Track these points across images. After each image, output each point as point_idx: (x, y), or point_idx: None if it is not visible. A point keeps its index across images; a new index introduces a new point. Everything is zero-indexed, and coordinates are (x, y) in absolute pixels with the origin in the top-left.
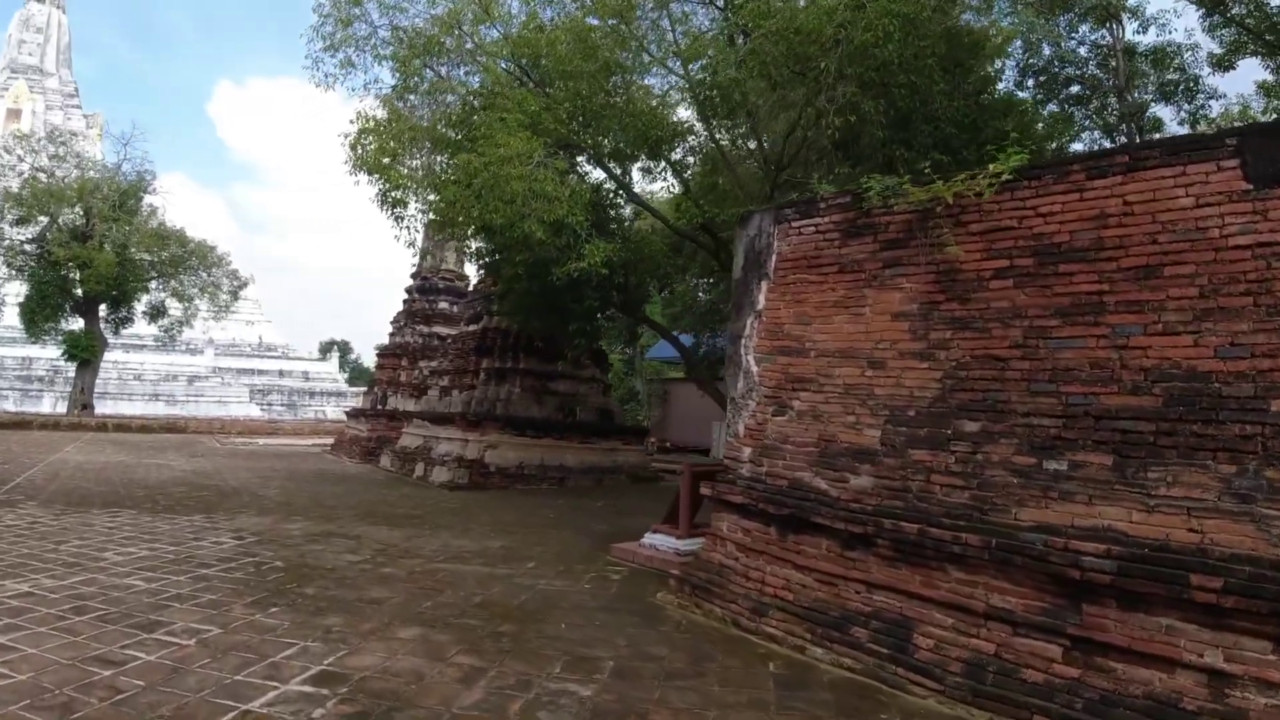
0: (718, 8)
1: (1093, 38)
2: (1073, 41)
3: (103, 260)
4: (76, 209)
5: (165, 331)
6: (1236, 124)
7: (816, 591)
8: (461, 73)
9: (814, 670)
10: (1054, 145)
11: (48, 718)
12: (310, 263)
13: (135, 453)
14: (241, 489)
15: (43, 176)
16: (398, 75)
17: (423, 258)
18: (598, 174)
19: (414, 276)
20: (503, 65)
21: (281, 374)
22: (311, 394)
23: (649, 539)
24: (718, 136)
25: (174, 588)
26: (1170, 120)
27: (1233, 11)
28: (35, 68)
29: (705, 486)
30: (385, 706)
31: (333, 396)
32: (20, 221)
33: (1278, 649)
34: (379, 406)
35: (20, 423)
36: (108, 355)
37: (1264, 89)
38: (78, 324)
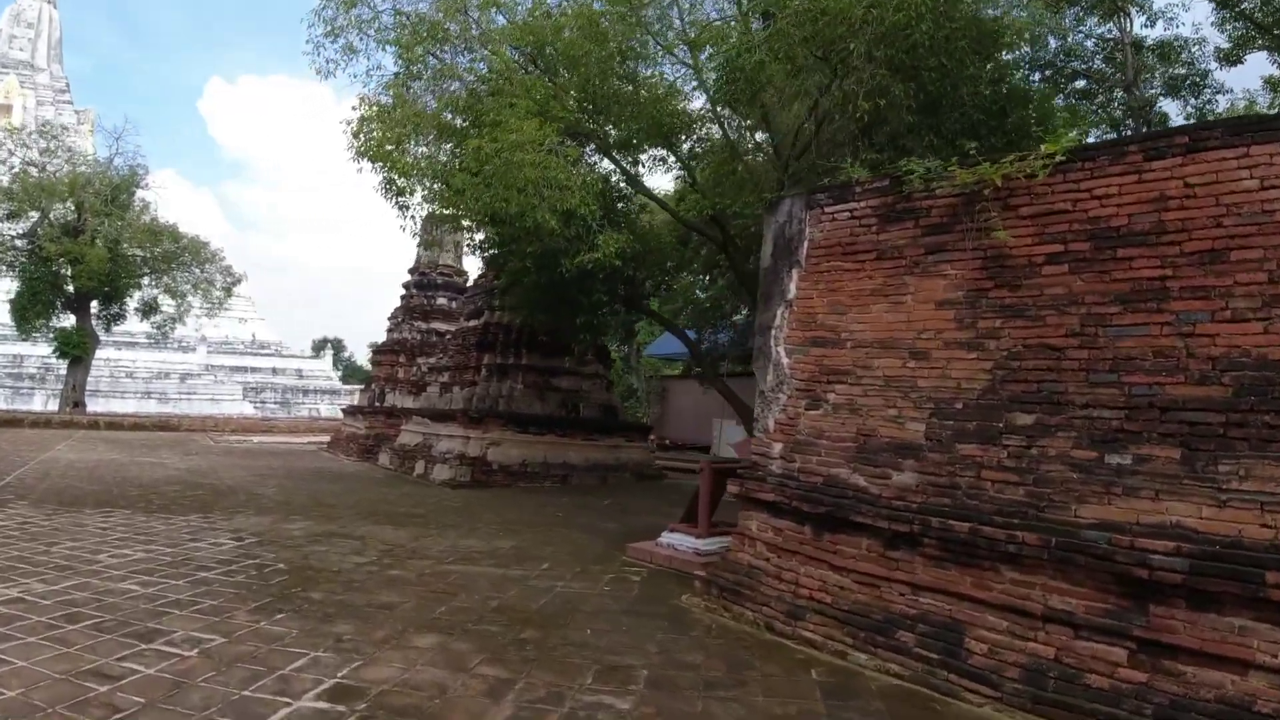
0: None
1: (1100, 31)
2: (1079, 35)
3: (94, 256)
4: (68, 204)
5: (158, 328)
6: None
7: (856, 594)
8: (466, 60)
9: (860, 677)
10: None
11: None
12: (302, 261)
13: (128, 451)
14: (238, 488)
15: (33, 171)
16: (400, 62)
17: (421, 252)
18: (604, 165)
19: (412, 272)
20: (509, 52)
21: (275, 372)
22: (305, 392)
23: (667, 538)
24: (727, 126)
25: (172, 592)
26: (1176, 115)
27: (1243, 5)
28: (26, 63)
29: (733, 484)
30: None
31: (327, 394)
32: (10, 216)
33: None
34: (377, 404)
35: (11, 421)
36: (99, 353)
37: (1270, 83)
38: (69, 321)
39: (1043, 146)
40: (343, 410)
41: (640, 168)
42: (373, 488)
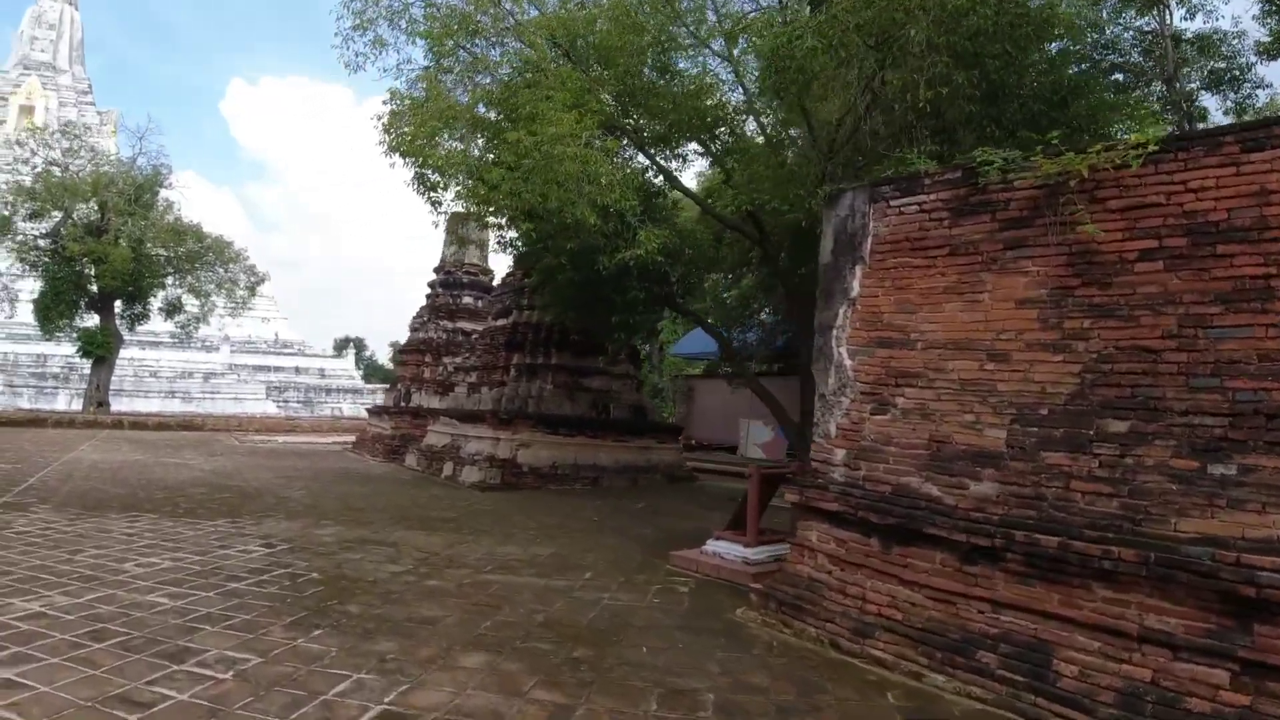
0: None
1: (1138, 24)
2: (1117, 28)
3: (118, 255)
4: (91, 203)
5: (182, 328)
6: None
7: (930, 610)
8: (497, 53)
9: (939, 701)
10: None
11: None
12: (323, 261)
13: (152, 451)
14: (265, 490)
15: (56, 170)
16: (431, 55)
17: (446, 251)
18: (637, 160)
19: (437, 271)
20: (543, 44)
21: (298, 371)
22: (328, 391)
23: (712, 546)
24: (764, 120)
25: (202, 605)
26: (1215, 110)
27: None
28: (48, 64)
29: (791, 492)
30: None
31: (349, 393)
32: (34, 216)
33: None
34: (402, 404)
35: (34, 420)
36: (123, 352)
37: None
38: (93, 320)
39: (1131, 137)
40: (367, 410)
41: (677, 161)
42: (401, 490)
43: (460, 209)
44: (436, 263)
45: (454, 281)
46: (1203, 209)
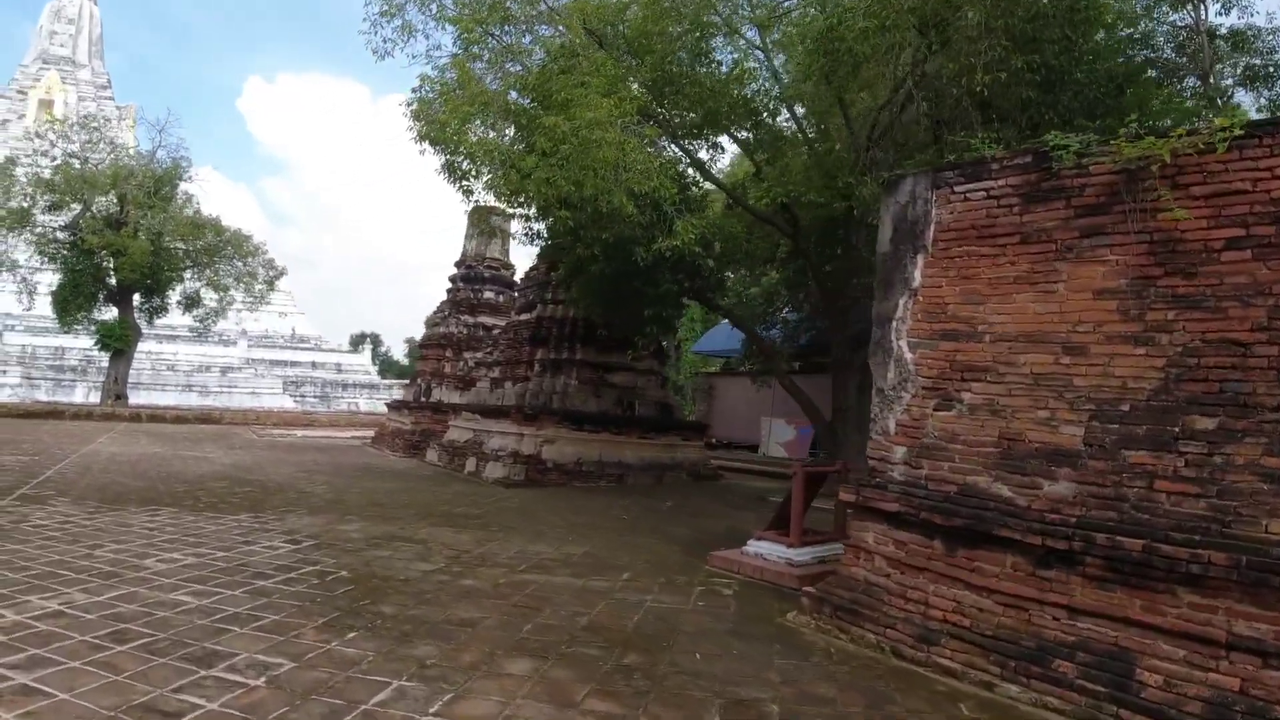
0: None
1: (1172, 19)
2: (1151, 22)
3: (137, 248)
4: (110, 196)
5: (200, 321)
6: None
7: (1000, 617)
8: (528, 40)
9: (1015, 712)
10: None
11: None
12: (338, 256)
13: (171, 444)
14: (287, 484)
15: (75, 163)
16: (460, 42)
17: (467, 245)
18: (671, 150)
19: (458, 265)
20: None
21: (314, 366)
22: (344, 386)
23: (754, 547)
24: (798, 110)
25: (229, 604)
26: (1249, 107)
27: None
28: (67, 59)
29: (846, 491)
30: None
31: (365, 388)
32: (53, 208)
33: None
34: (423, 399)
35: (53, 412)
36: (140, 345)
37: None
38: (111, 313)
39: (1215, 120)
40: (386, 405)
41: (707, 153)
42: (425, 486)
43: (491, 198)
44: (457, 257)
45: (475, 276)
46: None
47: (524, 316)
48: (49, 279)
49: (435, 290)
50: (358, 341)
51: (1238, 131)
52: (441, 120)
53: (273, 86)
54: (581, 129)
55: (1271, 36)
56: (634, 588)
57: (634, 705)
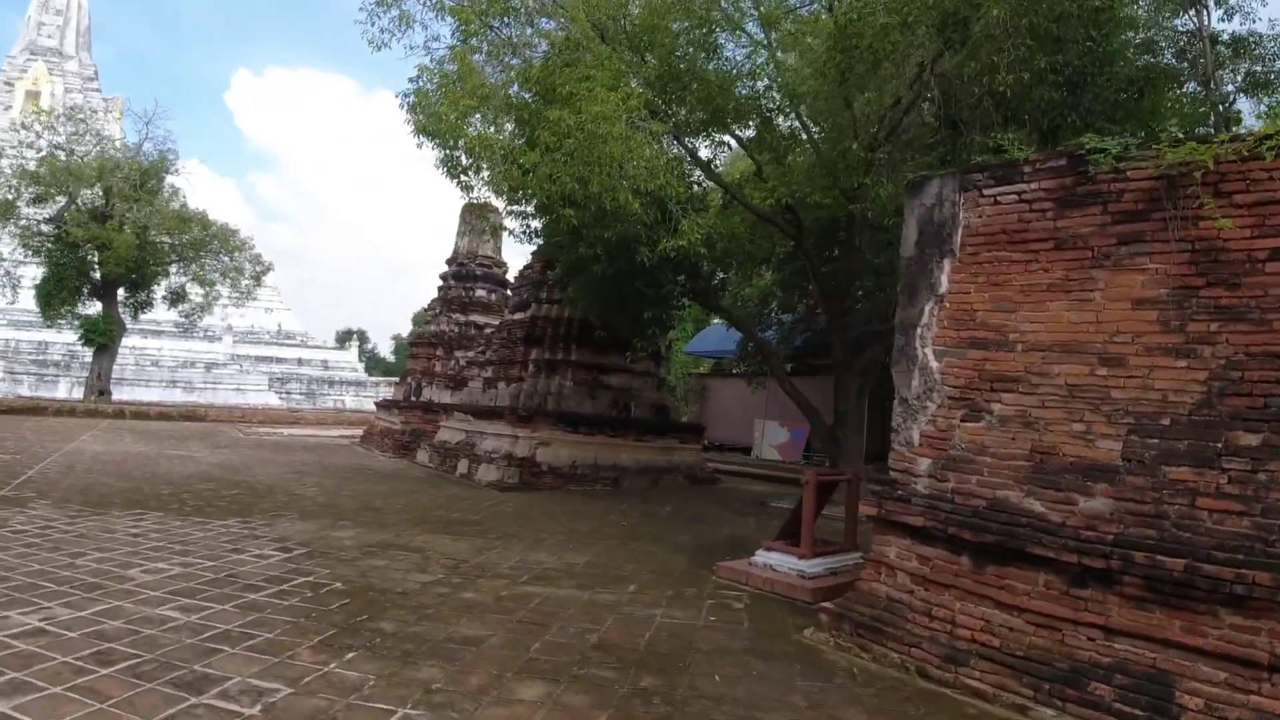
0: None
1: (1173, 23)
2: (1150, 30)
3: (122, 242)
4: (96, 189)
5: (186, 316)
6: None
7: (1032, 637)
8: (529, 32)
9: None
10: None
11: None
12: (324, 252)
13: (156, 442)
14: (276, 486)
15: (61, 154)
16: (459, 34)
17: (459, 242)
18: (674, 149)
19: (449, 263)
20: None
21: (300, 362)
22: (331, 383)
23: (763, 558)
24: (801, 109)
25: (219, 620)
26: (1249, 114)
27: None
28: (54, 50)
29: (867, 504)
30: None
31: (352, 386)
32: (37, 200)
33: None
34: (413, 398)
35: (35, 408)
36: (125, 341)
37: None
38: (95, 308)
39: (1260, 127)
40: (375, 404)
41: (718, 150)
42: (418, 489)
43: (489, 194)
44: (449, 254)
45: (467, 274)
46: None
47: (518, 316)
48: (33, 272)
49: (422, 288)
50: (344, 338)
51: None
52: (441, 113)
53: (261, 80)
54: (587, 123)
55: (1273, 43)
56: (642, 601)
57: None
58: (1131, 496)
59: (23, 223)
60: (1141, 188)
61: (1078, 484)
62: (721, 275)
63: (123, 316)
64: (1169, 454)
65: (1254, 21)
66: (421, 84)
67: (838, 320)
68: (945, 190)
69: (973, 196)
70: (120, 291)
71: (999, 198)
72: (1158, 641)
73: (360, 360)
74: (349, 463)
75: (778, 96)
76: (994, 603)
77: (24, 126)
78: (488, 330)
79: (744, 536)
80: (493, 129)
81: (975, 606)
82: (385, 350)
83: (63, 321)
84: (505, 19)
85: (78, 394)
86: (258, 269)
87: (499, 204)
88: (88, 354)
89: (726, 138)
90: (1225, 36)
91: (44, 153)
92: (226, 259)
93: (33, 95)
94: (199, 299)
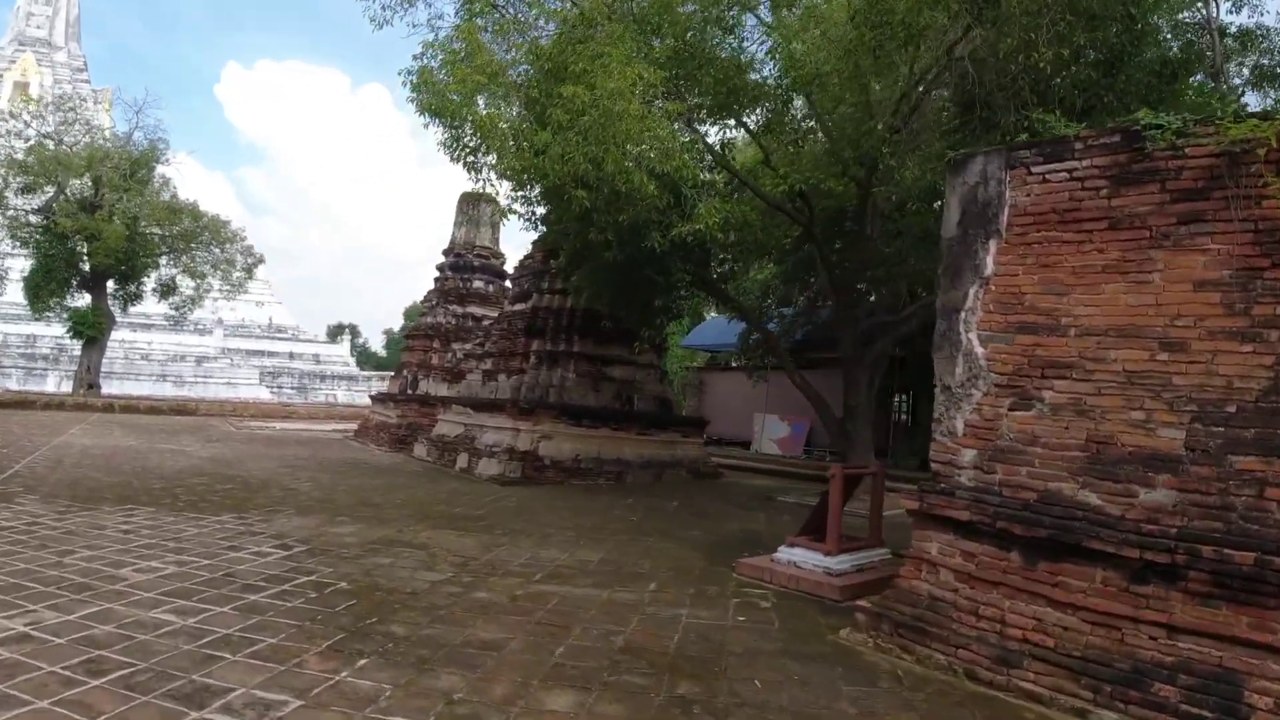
0: None
1: (1180, 16)
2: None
3: (112, 233)
4: (85, 179)
5: (176, 309)
6: None
7: (1089, 636)
8: (534, 12)
9: None
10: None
11: None
12: (316, 246)
13: (146, 436)
14: (271, 481)
15: (50, 144)
16: (463, 11)
17: (456, 232)
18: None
19: (446, 254)
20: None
21: (292, 356)
22: (322, 377)
23: (786, 554)
24: (813, 95)
25: (218, 624)
26: (1256, 106)
27: None
28: (44, 40)
29: (908, 498)
30: None
31: (344, 380)
32: (26, 190)
33: None
34: (409, 391)
35: (23, 402)
36: (114, 334)
37: None
38: (84, 300)
39: None
40: (370, 397)
41: (729, 134)
42: (416, 483)
43: (495, 178)
44: (445, 245)
45: (464, 264)
46: None
47: (518, 306)
48: (21, 264)
49: (415, 283)
50: (336, 332)
51: None
52: (453, 87)
53: (251, 73)
54: (603, 99)
55: (1278, 36)
56: (664, 600)
57: None
58: (1196, 488)
59: (11, 213)
60: (1201, 165)
61: (1138, 475)
62: (731, 264)
63: (112, 309)
64: (1235, 442)
65: (1262, 14)
66: (426, 60)
67: (847, 312)
68: (990, 168)
69: (1020, 174)
70: (110, 283)
71: (1048, 175)
72: (1224, 639)
73: (352, 354)
74: (344, 457)
75: (789, 82)
76: (1047, 600)
77: (12, 115)
78: (486, 322)
79: (756, 532)
80: (502, 106)
81: (1026, 605)
82: (377, 345)
83: (51, 314)
84: None
85: (67, 387)
86: (249, 261)
87: (504, 189)
88: (76, 347)
89: (735, 126)
90: (1233, 29)
91: (32, 142)
92: (217, 251)
93: (21, 86)
94: (189, 291)
